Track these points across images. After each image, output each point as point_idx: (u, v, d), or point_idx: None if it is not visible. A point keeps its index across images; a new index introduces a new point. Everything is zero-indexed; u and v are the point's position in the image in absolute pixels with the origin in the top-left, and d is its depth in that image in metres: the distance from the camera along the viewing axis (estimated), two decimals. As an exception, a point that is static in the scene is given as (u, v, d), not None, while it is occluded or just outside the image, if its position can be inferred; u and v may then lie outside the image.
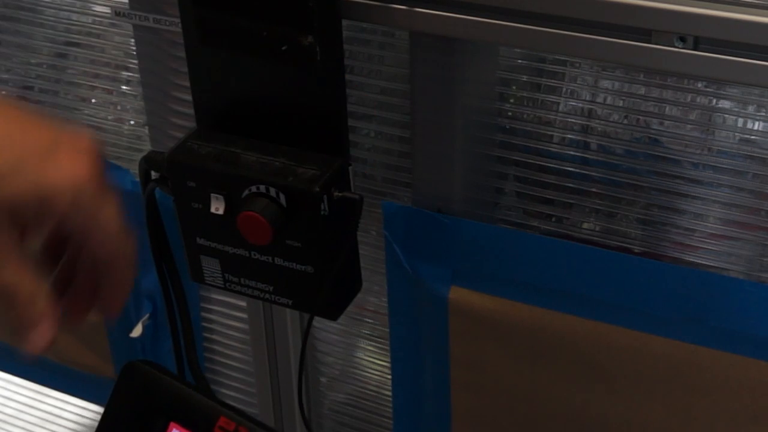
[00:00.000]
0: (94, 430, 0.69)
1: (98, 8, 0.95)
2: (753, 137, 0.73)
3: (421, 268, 0.87)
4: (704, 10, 0.62)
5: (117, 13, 0.89)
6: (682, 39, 0.63)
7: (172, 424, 0.64)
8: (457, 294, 0.86)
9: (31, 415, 1.44)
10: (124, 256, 0.62)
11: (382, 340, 1.01)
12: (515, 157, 0.81)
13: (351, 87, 0.82)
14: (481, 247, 0.84)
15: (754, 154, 0.74)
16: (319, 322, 1.04)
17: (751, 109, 0.73)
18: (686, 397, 0.82)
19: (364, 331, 1.04)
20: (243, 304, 1.05)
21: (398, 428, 1.02)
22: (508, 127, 0.80)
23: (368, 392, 1.11)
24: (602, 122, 0.78)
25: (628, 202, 0.79)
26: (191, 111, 0.82)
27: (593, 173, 0.79)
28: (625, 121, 0.77)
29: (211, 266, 0.83)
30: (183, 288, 0.81)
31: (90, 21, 0.97)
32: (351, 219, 0.75)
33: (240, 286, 0.82)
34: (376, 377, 1.06)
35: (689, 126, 0.75)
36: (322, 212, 0.74)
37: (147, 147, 0.97)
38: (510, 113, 0.80)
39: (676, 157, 0.76)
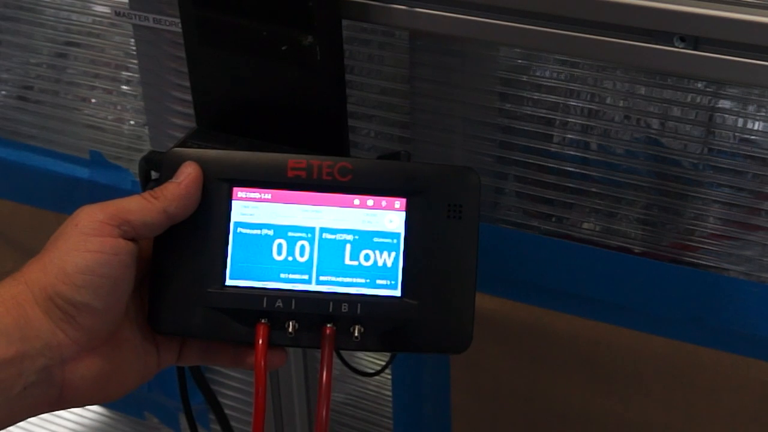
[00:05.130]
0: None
1: (98, 8, 0.95)
2: (753, 137, 0.73)
3: (421, 268, 0.87)
4: (704, 10, 0.62)
5: (117, 13, 0.89)
6: (682, 39, 0.63)
7: (235, 188, 0.62)
8: (457, 294, 0.85)
9: (31, 414, 1.44)
10: None
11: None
12: (515, 157, 0.81)
13: (351, 87, 0.82)
14: (481, 247, 0.84)
15: (754, 154, 0.74)
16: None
17: (751, 109, 0.73)
18: (686, 397, 0.82)
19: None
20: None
21: (398, 428, 1.02)
22: (508, 127, 0.80)
23: (368, 392, 1.11)
24: (602, 122, 0.78)
25: (628, 202, 0.79)
26: (191, 111, 0.82)
27: (593, 173, 0.79)
28: (625, 121, 0.77)
29: (211, 266, 0.83)
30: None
31: (90, 21, 0.97)
32: (351, 219, 0.75)
33: (240, 286, 0.82)
34: (376, 377, 1.06)
35: (689, 126, 0.75)
36: (322, 212, 0.74)
37: (147, 147, 0.97)
38: (510, 113, 0.80)
39: (676, 157, 0.76)
